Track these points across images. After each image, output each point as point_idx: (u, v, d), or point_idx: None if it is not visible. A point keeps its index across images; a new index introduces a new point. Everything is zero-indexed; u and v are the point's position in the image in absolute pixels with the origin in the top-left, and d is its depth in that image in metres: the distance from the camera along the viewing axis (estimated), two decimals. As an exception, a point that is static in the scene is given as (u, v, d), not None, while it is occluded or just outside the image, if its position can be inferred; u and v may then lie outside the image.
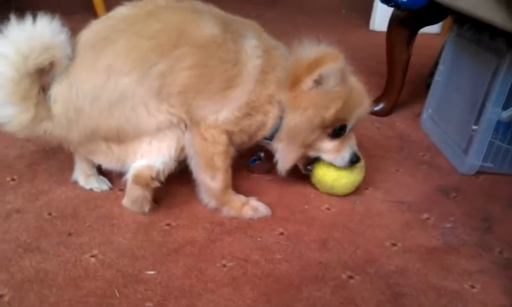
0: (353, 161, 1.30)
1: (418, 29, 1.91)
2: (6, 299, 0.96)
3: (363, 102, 1.27)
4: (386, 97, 2.02)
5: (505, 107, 1.48)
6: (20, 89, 1.09)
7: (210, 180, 1.23)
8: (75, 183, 1.34)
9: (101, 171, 1.35)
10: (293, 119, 1.21)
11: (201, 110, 1.16)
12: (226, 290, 1.03)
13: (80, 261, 1.07)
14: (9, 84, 1.07)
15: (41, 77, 1.13)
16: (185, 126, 1.17)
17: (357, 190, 1.41)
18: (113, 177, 1.35)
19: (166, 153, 1.17)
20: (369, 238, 1.24)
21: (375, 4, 3.60)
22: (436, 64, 2.07)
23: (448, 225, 1.31)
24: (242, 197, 1.29)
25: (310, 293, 1.04)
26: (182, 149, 1.20)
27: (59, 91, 1.13)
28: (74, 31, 1.17)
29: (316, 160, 1.34)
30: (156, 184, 1.20)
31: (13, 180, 1.34)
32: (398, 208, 1.38)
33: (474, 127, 1.58)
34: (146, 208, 1.23)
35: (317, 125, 1.21)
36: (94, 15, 2.61)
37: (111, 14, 1.19)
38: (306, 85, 1.17)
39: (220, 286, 1.04)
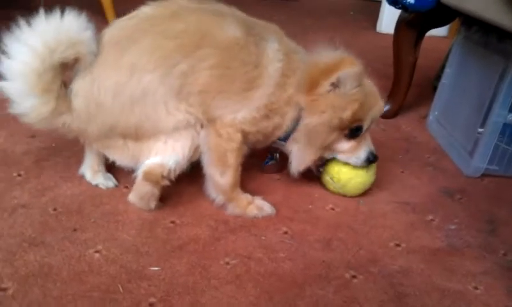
0: (370, 159, 1.32)
1: (426, 32, 1.91)
2: (10, 292, 0.96)
3: (377, 103, 1.29)
4: (393, 99, 2.01)
5: (511, 110, 1.47)
6: (43, 82, 1.09)
7: (220, 176, 1.23)
8: (81, 179, 1.34)
9: (108, 168, 1.36)
10: (311, 122, 1.22)
11: (220, 110, 1.17)
12: (229, 287, 1.03)
13: (85, 256, 1.08)
14: (33, 75, 1.08)
15: (64, 71, 1.14)
16: (201, 126, 1.19)
17: (362, 191, 1.41)
18: (119, 175, 1.36)
19: (179, 153, 1.18)
20: (373, 238, 1.24)
21: (382, 6, 3.60)
22: (442, 67, 2.06)
23: (452, 227, 1.31)
24: (248, 196, 1.30)
25: (313, 292, 1.04)
26: (196, 149, 1.21)
27: (81, 85, 1.14)
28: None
29: (328, 161, 1.35)
30: (166, 182, 1.21)
31: (19, 175, 1.35)
32: (402, 209, 1.38)
33: (480, 130, 1.58)
34: (153, 204, 1.24)
35: (335, 126, 1.22)
36: (103, 17, 2.63)
37: (134, 13, 1.20)
38: (323, 88, 1.18)
39: (223, 283, 1.04)
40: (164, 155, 1.18)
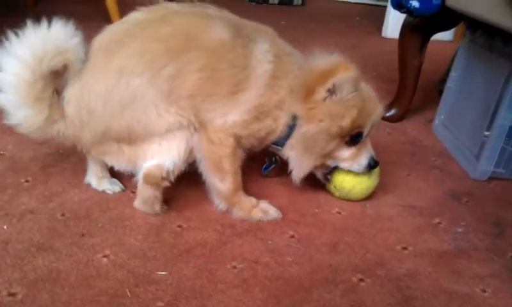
0: (371, 165, 1.31)
1: (431, 36, 1.92)
2: (19, 297, 0.97)
3: (377, 108, 1.28)
4: (398, 103, 2.02)
5: (517, 113, 1.47)
6: (35, 91, 1.11)
7: (220, 183, 1.24)
8: (88, 185, 1.35)
9: (113, 174, 1.36)
10: (309, 131, 1.21)
11: (210, 113, 1.17)
12: (236, 291, 1.03)
13: (93, 261, 1.08)
14: (24, 85, 1.10)
15: (55, 80, 1.15)
16: (195, 128, 1.19)
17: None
18: (125, 180, 1.36)
19: (175, 153, 1.18)
20: (380, 241, 1.24)
21: (387, 11, 3.61)
22: (448, 70, 2.06)
23: (459, 230, 1.31)
24: (252, 200, 1.30)
25: (320, 296, 1.04)
26: (192, 150, 1.21)
27: (72, 93, 1.16)
28: (90, 38, 1.20)
29: (335, 168, 1.34)
30: (166, 184, 1.22)
31: (27, 181, 1.36)
32: (409, 212, 1.38)
33: (486, 133, 1.58)
34: (157, 207, 1.24)
35: (334, 135, 1.21)
36: (109, 22, 2.65)
37: (125, 19, 1.21)
38: (319, 95, 1.17)
39: (230, 287, 1.04)
40: (160, 157, 1.18)
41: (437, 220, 1.35)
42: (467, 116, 1.73)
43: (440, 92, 2.01)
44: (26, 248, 1.10)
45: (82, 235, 1.16)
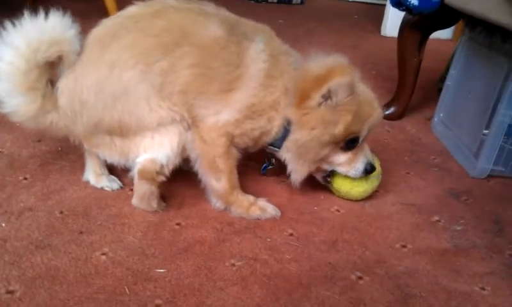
0: (368, 171, 1.30)
1: (430, 34, 1.91)
2: (18, 294, 0.96)
3: (374, 111, 1.25)
4: (397, 101, 2.02)
5: (517, 111, 1.47)
6: (28, 80, 1.13)
7: (216, 182, 1.24)
8: (87, 183, 1.35)
9: (112, 171, 1.36)
10: (301, 138, 1.20)
11: (202, 111, 1.17)
12: (235, 288, 1.03)
13: (91, 258, 1.08)
14: (18, 74, 1.11)
15: (50, 70, 1.17)
16: (188, 124, 1.18)
17: (367, 193, 1.41)
18: (124, 177, 1.36)
19: (168, 148, 1.18)
20: (379, 239, 1.24)
21: (387, 9, 3.60)
22: (447, 68, 2.06)
23: (458, 227, 1.31)
24: (250, 197, 1.30)
25: (319, 293, 1.04)
26: (185, 145, 1.20)
27: (65, 83, 1.17)
28: (87, 32, 1.20)
29: (332, 172, 1.34)
30: (161, 178, 1.21)
31: (25, 179, 1.35)
32: (408, 210, 1.38)
33: (485, 131, 1.58)
34: (154, 204, 1.24)
35: (327, 142, 1.20)
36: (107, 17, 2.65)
37: (120, 13, 1.22)
38: (314, 101, 1.16)
39: (229, 285, 1.04)
40: (153, 151, 1.18)
41: (436, 218, 1.35)
42: (466, 113, 1.73)
43: (439, 90, 2.01)
44: (24, 246, 1.10)
45: (81, 232, 1.16)
